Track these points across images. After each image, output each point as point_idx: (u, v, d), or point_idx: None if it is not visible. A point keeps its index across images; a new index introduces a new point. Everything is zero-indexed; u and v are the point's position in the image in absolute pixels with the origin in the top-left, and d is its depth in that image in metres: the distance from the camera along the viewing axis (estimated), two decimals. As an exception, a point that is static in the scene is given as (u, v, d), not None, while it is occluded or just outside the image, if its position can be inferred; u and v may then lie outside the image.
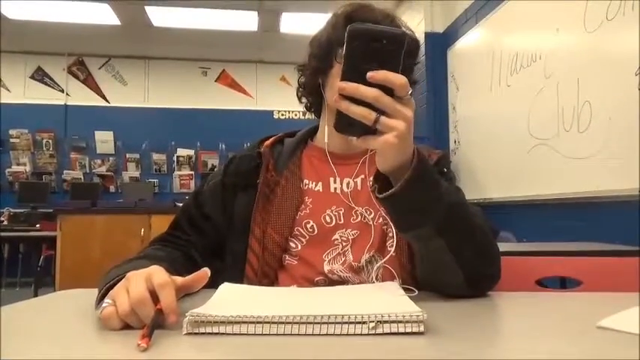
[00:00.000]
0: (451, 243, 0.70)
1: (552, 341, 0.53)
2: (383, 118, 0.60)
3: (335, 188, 0.90)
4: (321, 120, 0.95)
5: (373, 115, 0.60)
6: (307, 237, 0.86)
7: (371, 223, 0.86)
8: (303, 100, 0.95)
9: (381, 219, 0.86)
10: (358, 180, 0.90)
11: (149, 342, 0.48)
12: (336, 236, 0.86)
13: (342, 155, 0.91)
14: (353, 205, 0.87)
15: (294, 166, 0.91)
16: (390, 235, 0.84)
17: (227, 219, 0.89)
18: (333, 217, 0.87)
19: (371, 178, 0.88)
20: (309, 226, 0.86)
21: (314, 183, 0.91)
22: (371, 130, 0.61)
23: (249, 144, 0.98)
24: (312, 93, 0.93)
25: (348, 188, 0.89)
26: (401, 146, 0.62)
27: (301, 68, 0.94)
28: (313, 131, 0.98)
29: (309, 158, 0.94)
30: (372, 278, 0.82)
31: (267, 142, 0.93)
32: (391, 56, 0.59)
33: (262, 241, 0.85)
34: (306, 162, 0.93)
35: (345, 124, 0.61)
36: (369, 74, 0.58)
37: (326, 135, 0.90)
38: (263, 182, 0.88)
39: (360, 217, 0.87)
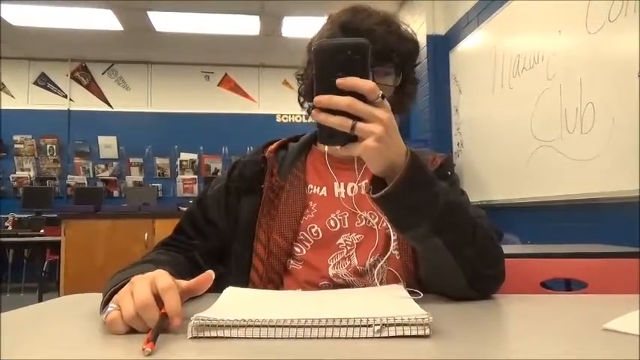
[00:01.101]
0: (449, 242, 0.70)
1: (558, 343, 0.52)
2: (359, 124, 0.61)
3: (339, 193, 0.90)
4: None
5: (349, 122, 0.61)
6: (312, 241, 0.86)
7: (375, 227, 0.86)
8: (305, 105, 0.95)
9: (385, 223, 0.86)
10: (362, 184, 0.90)
11: (154, 346, 0.48)
12: (341, 240, 0.86)
13: (345, 160, 0.92)
14: (356, 210, 0.87)
15: (298, 171, 0.91)
16: (394, 238, 0.84)
17: (231, 224, 0.89)
18: (338, 222, 0.87)
19: (365, 181, 0.89)
20: (313, 230, 0.86)
21: (318, 188, 0.91)
22: (353, 138, 0.63)
23: (252, 148, 0.98)
24: (313, 99, 0.93)
25: (352, 193, 0.89)
26: (382, 148, 0.63)
27: (300, 77, 0.94)
28: (316, 135, 0.98)
29: (313, 163, 0.94)
30: (376, 281, 0.81)
31: (272, 147, 0.93)
32: (358, 65, 0.62)
33: (267, 246, 0.85)
34: (310, 167, 0.93)
35: (327, 136, 0.63)
36: (339, 81, 0.60)
37: None
38: (268, 187, 0.88)
39: (364, 221, 0.87)
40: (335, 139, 0.63)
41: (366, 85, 0.61)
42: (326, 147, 0.91)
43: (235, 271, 0.87)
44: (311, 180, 0.91)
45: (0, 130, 6.22)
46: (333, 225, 0.87)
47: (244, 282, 0.85)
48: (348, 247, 0.85)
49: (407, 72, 0.89)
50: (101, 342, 0.54)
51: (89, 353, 0.51)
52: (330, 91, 0.61)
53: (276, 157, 0.92)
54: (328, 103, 0.61)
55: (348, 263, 0.84)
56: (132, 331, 0.55)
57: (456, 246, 0.71)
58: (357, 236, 0.86)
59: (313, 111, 0.62)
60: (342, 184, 0.90)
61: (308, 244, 0.86)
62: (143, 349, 0.47)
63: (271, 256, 0.84)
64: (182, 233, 0.92)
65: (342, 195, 0.89)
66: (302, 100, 0.95)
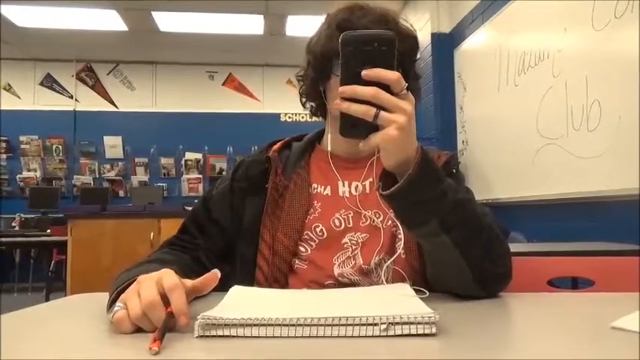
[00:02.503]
0: (457, 240, 0.70)
1: (566, 342, 0.52)
2: (382, 113, 0.62)
3: (343, 192, 0.89)
4: (326, 123, 0.96)
5: (373, 110, 0.62)
6: (317, 241, 0.86)
7: (380, 226, 0.86)
8: (307, 105, 0.95)
9: (390, 222, 0.86)
10: (366, 183, 0.90)
11: (160, 345, 0.48)
12: (346, 239, 0.86)
13: (349, 159, 0.91)
14: (361, 210, 0.87)
15: (302, 171, 0.91)
16: (400, 237, 0.84)
17: (236, 224, 0.89)
18: (342, 221, 0.87)
19: (371, 179, 0.88)
20: (318, 229, 0.86)
21: (322, 187, 0.90)
22: (374, 130, 0.63)
23: (257, 147, 0.98)
24: (315, 99, 0.93)
25: (356, 192, 0.89)
26: (403, 139, 0.63)
27: (300, 77, 0.94)
28: (320, 134, 0.98)
29: (317, 162, 0.94)
30: (382, 280, 0.81)
31: (275, 147, 0.93)
32: (384, 56, 0.62)
33: (272, 246, 0.85)
34: (314, 166, 0.93)
35: (349, 127, 0.64)
36: (364, 72, 0.61)
37: (329, 143, 0.91)
38: (272, 187, 0.88)
39: (369, 220, 0.87)
40: (357, 130, 0.63)
41: (391, 75, 0.62)
42: (329, 147, 0.91)
43: (240, 270, 0.87)
44: (315, 179, 0.91)
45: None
46: (337, 224, 0.87)
47: (250, 282, 0.85)
48: (353, 247, 0.85)
49: (407, 68, 0.88)
50: (108, 341, 0.54)
51: (96, 353, 0.51)
52: (356, 81, 0.62)
53: (280, 156, 0.92)
54: (352, 93, 0.62)
55: (354, 262, 0.84)
56: (138, 330, 0.55)
57: (463, 243, 0.70)
58: (362, 235, 0.86)
59: (336, 101, 0.63)
60: (345, 183, 0.90)
61: (313, 244, 0.86)
62: (150, 349, 0.47)
63: (276, 255, 0.84)
64: (187, 233, 0.92)
65: (347, 194, 0.89)
66: (304, 100, 0.95)
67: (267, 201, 0.87)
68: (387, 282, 0.81)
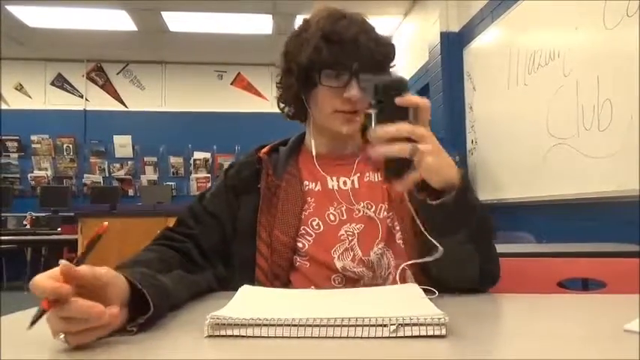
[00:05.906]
0: (479, 246, 0.78)
1: (578, 345, 0.52)
2: (416, 145, 0.66)
3: (333, 186, 0.92)
4: (306, 126, 0.98)
5: (407, 146, 0.66)
6: (314, 235, 0.87)
7: (374, 216, 0.88)
8: (286, 109, 0.97)
9: (384, 213, 0.88)
10: (355, 178, 0.92)
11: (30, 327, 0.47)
12: (342, 232, 0.88)
13: (335, 157, 0.94)
14: (353, 202, 0.89)
15: (293, 169, 0.94)
16: (397, 228, 0.87)
17: (232, 221, 0.90)
18: (337, 215, 0.89)
19: (359, 174, 0.93)
20: (314, 223, 0.88)
21: (313, 184, 0.93)
22: (410, 165, 0.67)
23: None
24: (295, 105, 0.95)
25: (345, 186, 0.92)
26: (439, 163, 0.69)
27: (279, 85, 0.96)
28: (303, 137, 1.00)
29: (304, 163, 0.96)
30: (385, 273, 0.84)
31: (265, 149, 0.96)
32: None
33: (270, 244, 0.86)
34: (302, 166, 0.95)
35: (391, 171, 0.68)
36: (398, 100, 0.66)
37: (313, 147, 0.94)
38: (265, 187, 0.90)
39: (362, 212, 0.89)
40: (400, 171, 0.67)
41: (423, 103, 0.68)
42: (314, 151, 0.94)
43: (240, 271, 0.88)
44: (305, 177, 0.94)
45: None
46: (332, 219, 0.89)
47: (250, 282, 0.84)
48: (350, 238, 0.87)
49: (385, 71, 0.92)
50: (115, 340, 0.54)
51: (103, 352, 0.51)
52: (390, 121, 0.66)
53: (270, 158, 0.94)
54: (386, 134, 0.66)
55: (352, 254, 0.85)
56: (142, 331, 0.55)
57: (482, 248, 0.79)
58: (358, 226, 0.88)
59: (372, 150, 0.67)
60: (334, 178, 0.92)
61: (310, 238, 0.87)
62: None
63: (275, 253, 0.86)
64: (181, 225, 0.91)
65: (336, 187, 0.91)
66: (282, 104, 0.97)
67: (262, 200, 0.89)
68: (390, 274, 0.84)
